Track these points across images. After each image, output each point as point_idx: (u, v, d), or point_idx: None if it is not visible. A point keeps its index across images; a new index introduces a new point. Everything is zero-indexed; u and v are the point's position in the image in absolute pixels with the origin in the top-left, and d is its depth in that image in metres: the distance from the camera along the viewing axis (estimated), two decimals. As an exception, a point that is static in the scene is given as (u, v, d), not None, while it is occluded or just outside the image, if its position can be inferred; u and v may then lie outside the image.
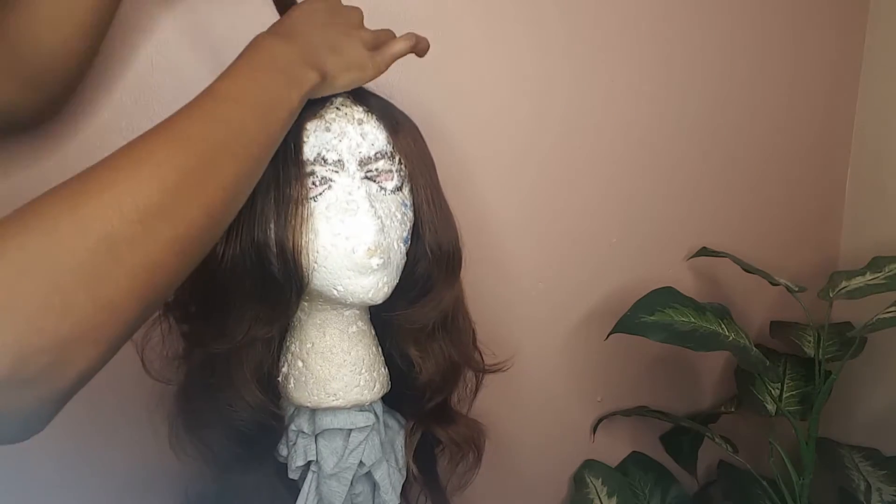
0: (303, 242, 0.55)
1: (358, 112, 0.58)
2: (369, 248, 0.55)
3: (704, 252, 1.06)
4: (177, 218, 0.40)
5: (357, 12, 0.60)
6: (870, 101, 1.17)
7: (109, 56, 0.71)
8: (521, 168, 0.93)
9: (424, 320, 0.65)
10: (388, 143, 0.59)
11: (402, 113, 0.63)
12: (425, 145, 0.64)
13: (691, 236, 1.08)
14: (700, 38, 1.02)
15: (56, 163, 0.70)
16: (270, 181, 0.54)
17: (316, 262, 0.56)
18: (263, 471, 0.65)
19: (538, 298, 0.98)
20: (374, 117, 0.59)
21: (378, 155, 0.58)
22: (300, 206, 0.55)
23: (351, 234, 0.55)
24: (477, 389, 0.74)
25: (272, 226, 0.55)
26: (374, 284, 0.57)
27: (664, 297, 0.91)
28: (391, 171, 0.59)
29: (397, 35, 0.62)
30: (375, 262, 0.55)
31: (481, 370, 0.73)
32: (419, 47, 0.63)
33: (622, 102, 0.98)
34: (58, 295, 0.33)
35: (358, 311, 0.64)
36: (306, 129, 0.56)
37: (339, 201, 0.56)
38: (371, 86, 0.64)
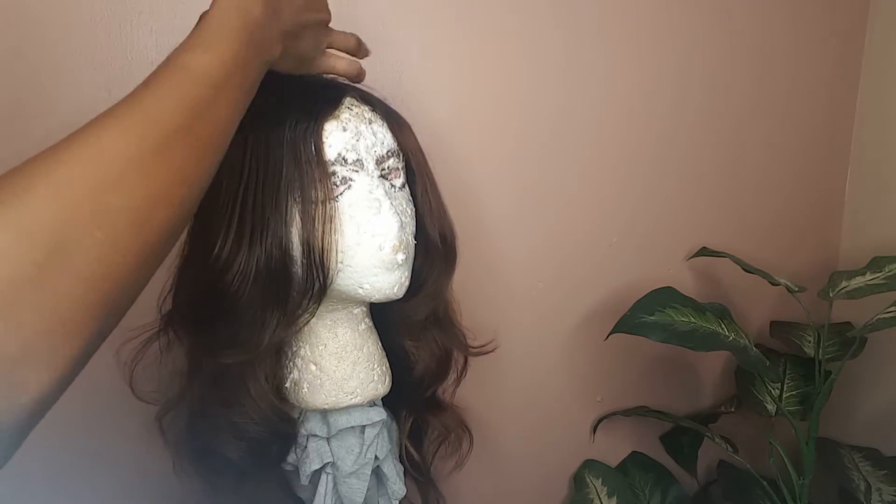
0: (329, 243, 0.55)
1: (366, 112, 0.59)
2: (394, 245, 0.56)
3: (704, 252, 1.06)
4: (136, 213, 0.35)
5: (327, 9, 0.59)
6: (870, 101, 1.17)
7: (109, 57, 0.71)
8: (521, 168, 0.93)
9: (425, 311, 0.67)
10: (394, 140, 0.60)
11: (394, 110, 0.64)
12: (417, 140, 0.65)
13: (691, 236, 1.08)
14: (700, 38, 1.02)
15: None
16: (294, 183, 0.54)
17: (341, 262, 0.56)
18: (268, 483, 0.64)
19: (538, 298, 0.98)
20: (379, 116, 0.60)
21: (389, 153, 0.59)
22: (325, 207, 0.55)
23: (377, 232, 0.56)
24: (463, 374, 0.74)
25: (297, 228, 0.54)
26: (399, 280, 0.58)
27: (664, 297, 0.91)
28: (399, 168, 0.60)
29: (355, 36, 0.63)
30: (401, 257, 0.57)
31: (470, 353, 0.74)
32: (357, 77, 0.63)
33: (622, 103, 0.98)
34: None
35: (365, 309, 0.65)
36: (325, 129, 0.56)
37: (362, 200, 0.56)
38: (371, 84, 0.64)
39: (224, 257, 0.54)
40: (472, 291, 0.89)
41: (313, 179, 0.54)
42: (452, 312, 0.72)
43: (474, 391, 0.92)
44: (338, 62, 0.60)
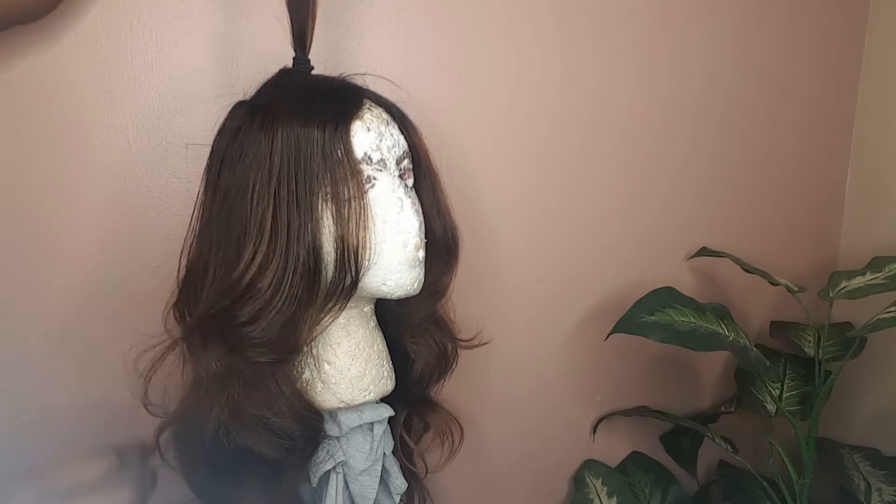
0: (363, 238, 0.56)
1: (383, 113, 0.61)
2: (416, 242, 0.59)
3: (704, 252, 1.06)
4: None
5: None
6: (870, 101, 1.17)
7: (108, 56, 0.71)
8: (521, 168, 0.93)
9: (427, 310, 0.68)
10: (406, 142, 0.62)
11: (403, 112, 0.65)
12: (424, 141, 0.66)
13: (691, 236, 1.08)
14: (699, 38, 1.02)
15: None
16: (325, 181, 0.55)
17: (368, 260, 0.57)
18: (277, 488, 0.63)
19: (538, 298, 0.98)
20: (394, 118, 0.62)
21: (404, 154, 0.61)
22: (356, 204, 0.56)
23: (401, 230, 0.58)
24: (453, 368, 0.75)
25: (328, 226, 0.55)
26: (418, 276, 0.60)
27: (664, 297, 0.91)
28: (410, 169, 0.62)
29: None
30: (421, 254, 0.60)
31: (463, 346, 0.75)
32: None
33: (622, 103, 0.98)
34: None
35: (373, 307, 0.66)
36: (351, 129, 0.57)
37: (385, 199, 0.58)
38: (372, 83, 0.65)
39: (260, 261, 0.54)
40: (473, 291, 0.89)
41: (344, 177, 0.55)
42: (444, 309, 0.73)
43: (474, 391, 0.92)
44: None
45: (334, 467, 0.64)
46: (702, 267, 1.09)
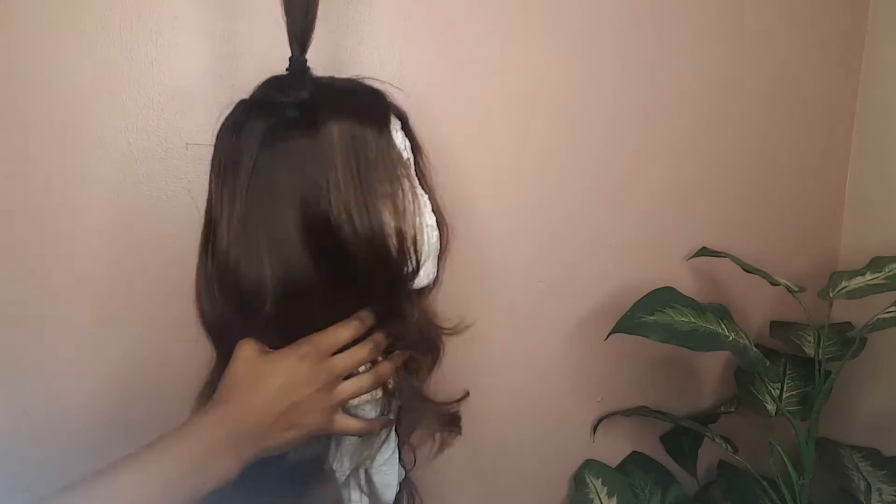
0: (419, 226, 0.61)
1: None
2: (437, 235, 0.63)
3: (704, 252, 1.06)
4: None
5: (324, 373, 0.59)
6: (870, 101, 1.17)
7: (108, 56, 0.71)
8: (521, 168, 0.93)
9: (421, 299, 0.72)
10: (409, 142, 0.65)
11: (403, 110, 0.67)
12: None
13: (691, 236, 1.08)
14: (699, 38, 1.02)
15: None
16: (383, 179, 0.58)
17: (425, 247, 0.62)
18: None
19: (538, 298, 0.98)
20: (401, 119, 0.65)
21: (413, 153, 0.65)
22: (405, 197, 0.60)
23: (428, 223, 0.62)
24: (440, 358, 0.75)
25: (389, 217, 0.58)
26: (435, 267, 0.65)
27: (664, 297, 0.91)
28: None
29: None
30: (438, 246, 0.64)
31: (448, 334, 0.77)
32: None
33: (622, 103, 0.98)
34: None
35: None
36: (391, 128, 0.61)
37: (412, 195, 0.61)
38: (373, 81, 0.65)
39: (344, 224, 0.56)
40: (473, 292, 0.89)
41: (394, 171, 0.59)
42: (430, 301, 0.76)
43: (474, 390, 0.92)
44: (349, 424, 0.63)
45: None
46: (702, 267, 1.09)
